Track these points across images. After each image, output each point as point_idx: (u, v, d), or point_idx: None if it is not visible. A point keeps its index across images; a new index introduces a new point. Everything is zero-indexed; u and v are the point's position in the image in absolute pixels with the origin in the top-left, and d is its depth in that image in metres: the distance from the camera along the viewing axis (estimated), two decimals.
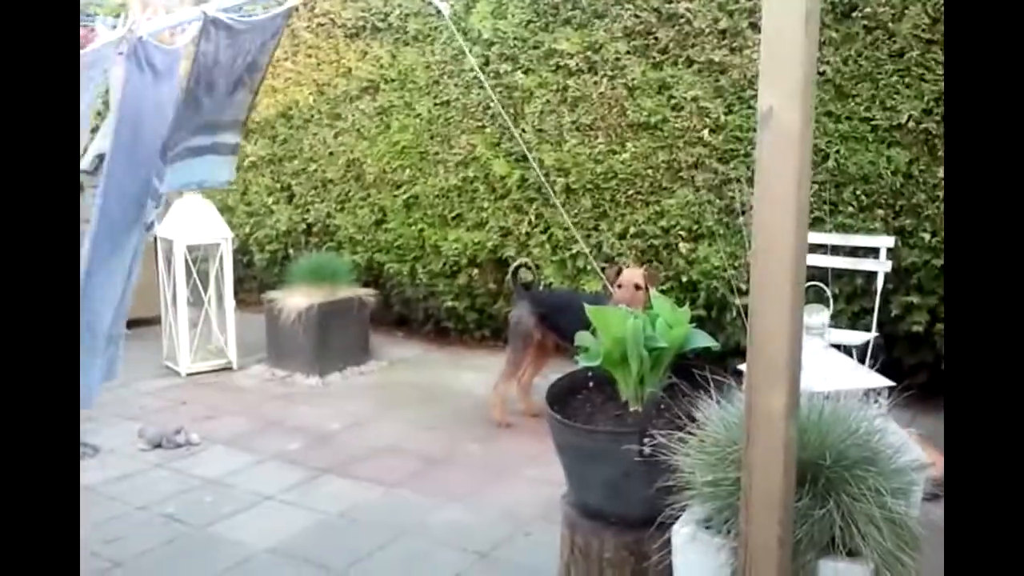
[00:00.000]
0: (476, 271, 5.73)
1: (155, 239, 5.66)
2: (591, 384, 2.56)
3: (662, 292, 4.82)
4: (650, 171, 5.07)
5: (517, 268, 4.67)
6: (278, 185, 6.61)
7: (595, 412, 2.42)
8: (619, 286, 3.84)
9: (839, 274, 4.47)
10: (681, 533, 1.92)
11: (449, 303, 5.91)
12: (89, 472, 4.03)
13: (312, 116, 6.42)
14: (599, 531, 2.27)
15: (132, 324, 6.58)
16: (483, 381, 5.13)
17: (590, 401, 2.49)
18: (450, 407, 4.98)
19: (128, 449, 4.31)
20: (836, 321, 4.40)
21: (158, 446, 4.32)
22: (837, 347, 3.93)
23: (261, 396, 5.19)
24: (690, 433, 2.00)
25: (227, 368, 5.63)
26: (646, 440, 2.10)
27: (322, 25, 6.32)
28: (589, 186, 5.27)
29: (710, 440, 1.93)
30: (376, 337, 6.11)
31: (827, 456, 1.79)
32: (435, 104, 5.82)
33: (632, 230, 5.15)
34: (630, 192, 5.16)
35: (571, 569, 2.37)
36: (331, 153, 6.31)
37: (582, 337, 2.44)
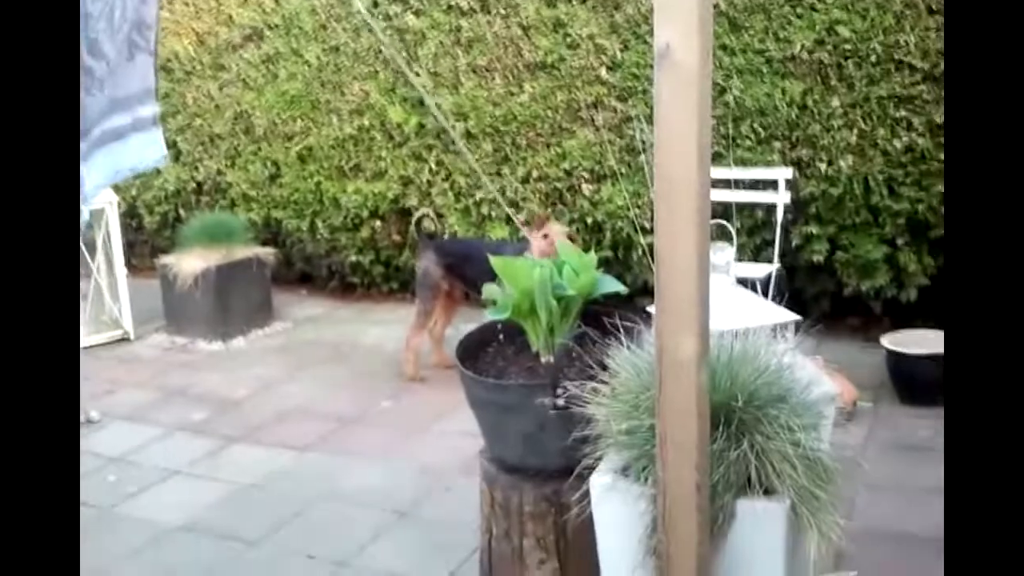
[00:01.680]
0: (379, 223, 5.59)
1: None
2: (502, 336, 2.51)
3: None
4: (549, 112, 5.00)
5: (420, 219, 4.58)
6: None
7: (507, 365, 2.37)
8: (545, 236, 3.79)
9: (740, 207, 4.52)
10: (599, 483, 1.90)
11: (353, 257, 5.76)
12: None
13: (194, 68, 6.08)
14: (518, 484, 2.24)
15: None
16: (393, 336, 5.03)
17: (501, 354, 2.44)
18: (360, 364, 4.88)
19: None
20: (739, 255, 4.47)
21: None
22: (742, 281, 4.01)
23: (162, 366, 4.98)
24: (603, 382, 1.97)
25: (124, 339, 5.37)
26: (559, 391, 2.07)
27: None
28: (489, 130, 5.17)
29: (623, 388, 1.90)
30: (279, 297, 5.92)
31: (739, 397, 1.79)
32: (324, 50, 5.58)
33: (535, 173, 5.08)
34: (531, 135, 5.08)
35: (492, 524, 2.34)
36: (217, 106, 6.01)
37: (490, 290, 2.38)
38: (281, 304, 5.86)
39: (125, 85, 2.89)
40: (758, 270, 4.33)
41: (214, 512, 3.31)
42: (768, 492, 1.77)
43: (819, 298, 4.66)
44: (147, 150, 3.06)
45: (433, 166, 5.37)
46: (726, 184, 4.47)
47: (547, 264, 2.29)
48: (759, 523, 1.77)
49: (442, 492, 3.37)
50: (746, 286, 3.93)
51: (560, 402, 2.08)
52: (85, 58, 2.65)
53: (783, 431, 1.77)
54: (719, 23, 4.46)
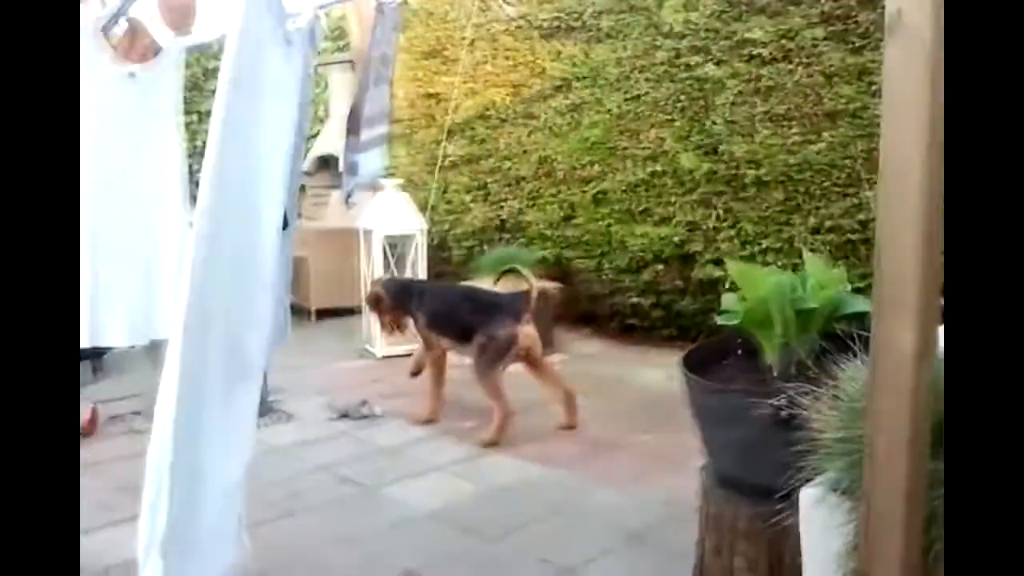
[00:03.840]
0: (661, 267, 5.63)
1: (359, 230, 6.03)
2: (739, 352, 2.44)
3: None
4: (847, 161, 4.77)
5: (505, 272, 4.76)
6: (475, 183, 6.84)
7: (735, 377, 2.30)
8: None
9: None
10: (808, 495, 1.78)
11: (634, 299, 5.84)
12: (281, 435, 4.34)
13: (507, 116, 6.59)
14: (733, 499, 2.15)
15: (339, 312, 6.97)
16: (664, 379, 5.00)
17: (735, 367, 2.37)
18: (626, 400, 4.92)
19: (318, 418, 4.61)
20: None
21: (344, 416, 4.59)
22: None
23: (461, 386, 5.35)
24: (827, 393, 1.85)
25: None
26: (781, 400, 1.97)
27: (520, 27, 6.49)
28: (781, 178, 5.04)
29: (844, 394, 1.78)
30: (563, 333, 6.16)
31: None
32: (625, 99, 5.79)
33: (827, 224, 4.86)
34: (825, 184, 4.88)
35: (705, 541, 2.26)
36: (524, 151, 6.45)
37: (727, 299, 2.33)
38: (563, 340, 6.08)
39: (372, 105, 3.29)
40: None
41: (462, 507, 3.49)
42: None
43: None
44: (380, 161, 3.45)
45: (720, 212, 5.33)
46: None
47: (788, 274, 2.20)
48: None
49: (680, 522, 3.27)
50: None
51: (782, 413, 1.98)
52: (369, 80, 3.02)
53: None
54: None
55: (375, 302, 4.75)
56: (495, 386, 4.29)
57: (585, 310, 6.42)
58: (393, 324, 4.75)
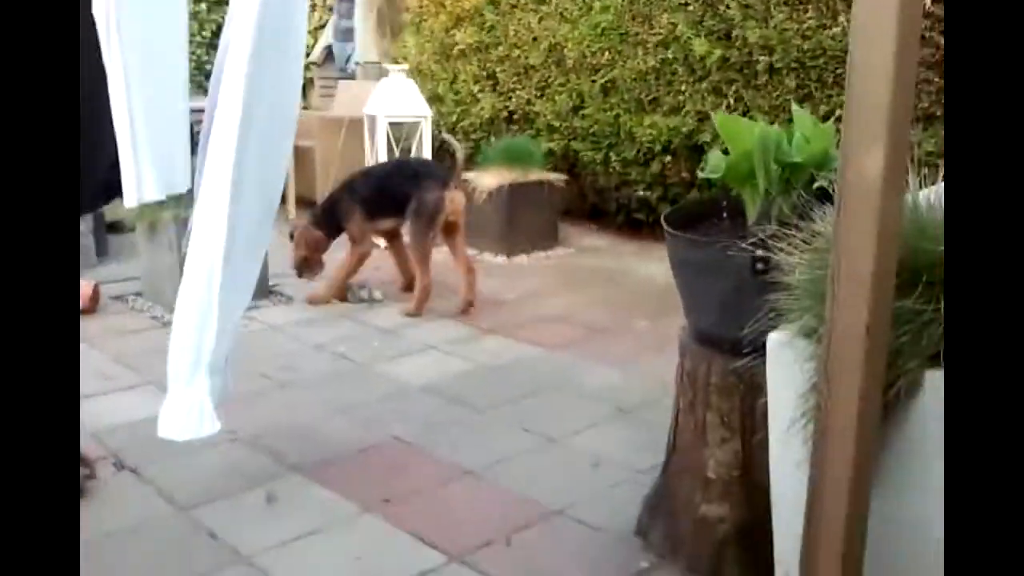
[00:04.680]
0: (670, 159, 5.52)
1: (364, 116, 5.95)
2: (724, 214, 2.38)
3: None
4: None
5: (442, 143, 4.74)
6: (484, 73, 6.68)
7: (717, 234, 2.24)
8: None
9: None
10: (774, 338, 1.75)
11: (641, 193, 5.75)
12: (280, 316, 4.37)
13: (518, 1, 6.39)
14: (708, 355, 2.12)
15: None
16: (668, 271, 4.96)
17: (717, 227, 2.32)
18: (628, 290, 4.89)
19: None
20: None
21: (344, 300, 4.60)
22: None
23: (447, 269, 5.34)
24: (802, 237, 1.80)
25: None
26: (755, 247, 1.92)
27: None
28: (794, 65, 4.87)
29: (818, 239, 1.72)
30: (569, 228, 6.12)
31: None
32: None
33: (838, 112, 4.69)
34: (839, 71, 4.70)
35: (680, 399, 2.25)
36: (535, 38, 6.26)
37: (712, 156, 2.26)
38: (569, 234, 6.03)
39: None
40: None
41: (454, 381, 3.51)
42: None
43: None
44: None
45: (731, 102, 5.18)
46: None
47: (773, 128, 2.13)
48: None
49: (669, 400, 3.27)
50: None
51: (758, 264, 1.93)
52: None
53: None
54: None
55: (305, 245, 4.60)
56: (425, 254, 4.35)
57: (592, 205, 6.35)
58: (306, 265, 4.64)
